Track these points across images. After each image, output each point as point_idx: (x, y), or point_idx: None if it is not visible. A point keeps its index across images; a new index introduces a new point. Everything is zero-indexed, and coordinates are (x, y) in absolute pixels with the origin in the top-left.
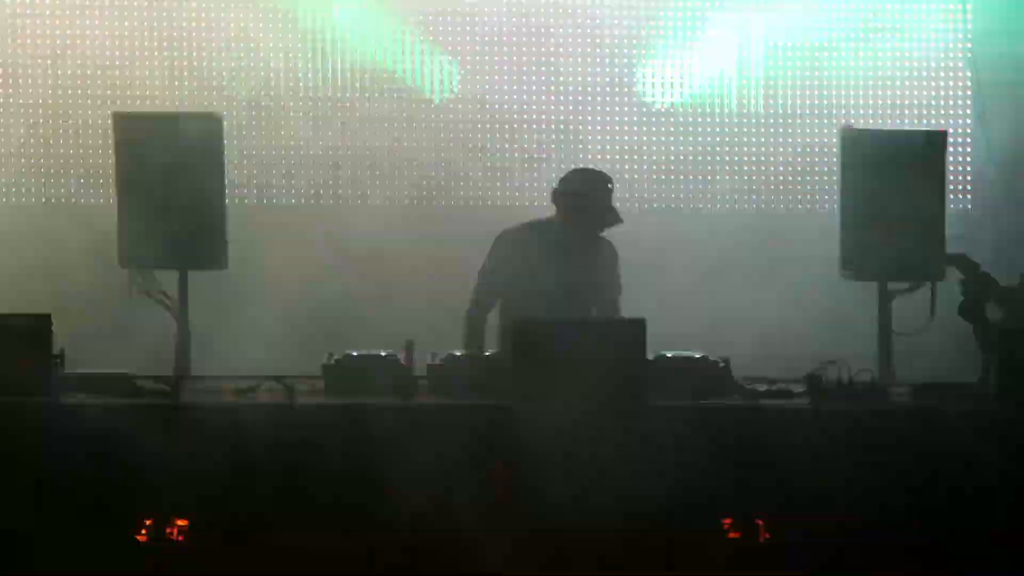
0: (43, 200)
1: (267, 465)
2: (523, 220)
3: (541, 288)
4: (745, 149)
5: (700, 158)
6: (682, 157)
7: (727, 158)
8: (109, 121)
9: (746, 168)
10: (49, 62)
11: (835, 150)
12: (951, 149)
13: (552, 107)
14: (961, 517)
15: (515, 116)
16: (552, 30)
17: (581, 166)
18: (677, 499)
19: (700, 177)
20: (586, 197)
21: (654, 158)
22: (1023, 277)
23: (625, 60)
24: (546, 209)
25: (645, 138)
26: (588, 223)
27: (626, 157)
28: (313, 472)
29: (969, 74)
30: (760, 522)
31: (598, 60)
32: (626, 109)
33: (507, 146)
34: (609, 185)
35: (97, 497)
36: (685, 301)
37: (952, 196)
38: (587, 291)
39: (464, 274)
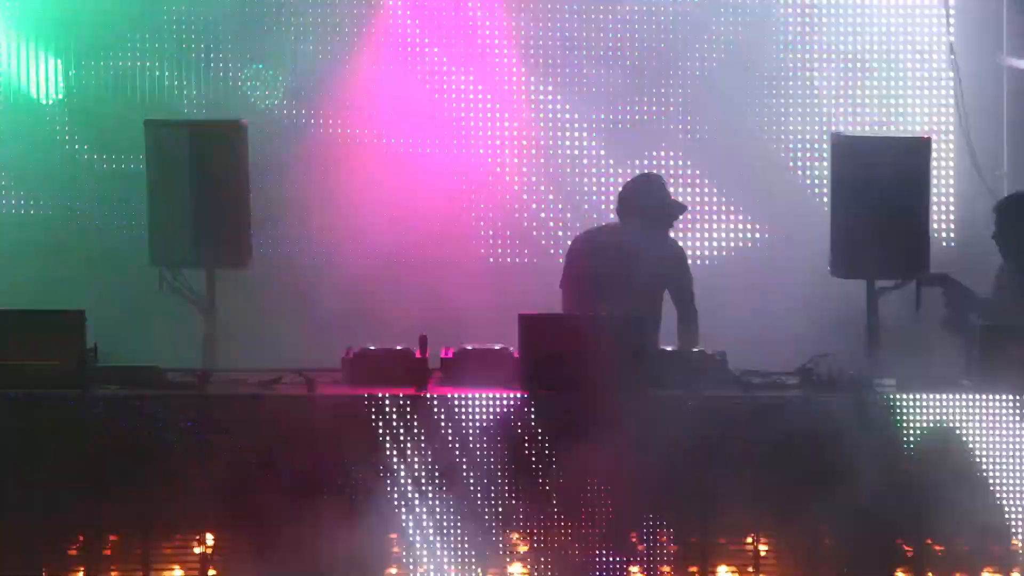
0: (77, 202)
1: (288, 452)
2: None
3: (609, 284)
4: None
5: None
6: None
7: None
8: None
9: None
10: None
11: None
12: (935, 155)
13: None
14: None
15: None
16: None
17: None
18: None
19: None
20: (646, 197)
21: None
22: (997, 278)
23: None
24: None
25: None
26: (656, 220)
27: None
28: (332, 459)
29: (952, 82)
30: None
31: None
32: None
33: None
34: (662, 182)
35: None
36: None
37: (935, 199)
38: (657, 284)
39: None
